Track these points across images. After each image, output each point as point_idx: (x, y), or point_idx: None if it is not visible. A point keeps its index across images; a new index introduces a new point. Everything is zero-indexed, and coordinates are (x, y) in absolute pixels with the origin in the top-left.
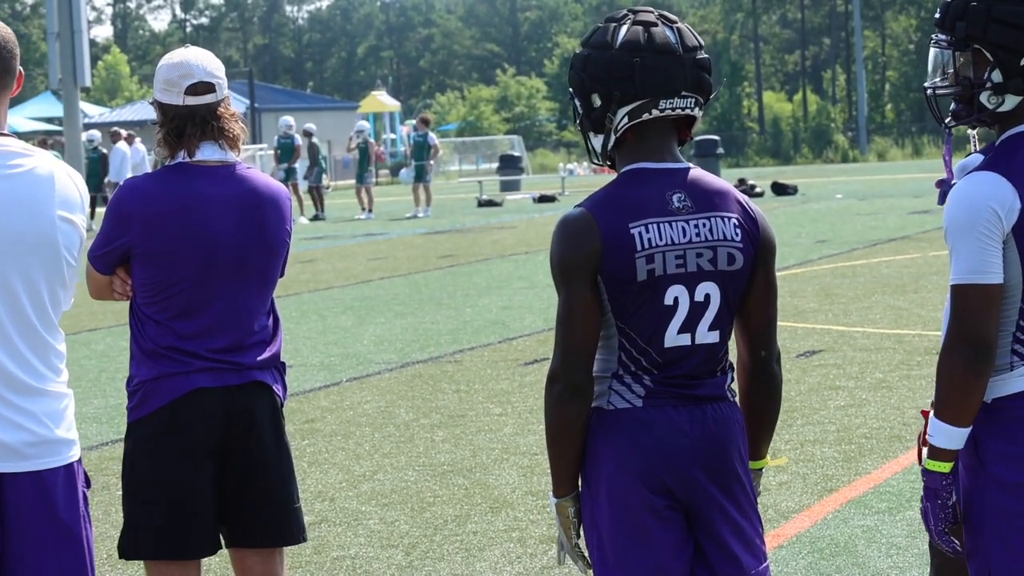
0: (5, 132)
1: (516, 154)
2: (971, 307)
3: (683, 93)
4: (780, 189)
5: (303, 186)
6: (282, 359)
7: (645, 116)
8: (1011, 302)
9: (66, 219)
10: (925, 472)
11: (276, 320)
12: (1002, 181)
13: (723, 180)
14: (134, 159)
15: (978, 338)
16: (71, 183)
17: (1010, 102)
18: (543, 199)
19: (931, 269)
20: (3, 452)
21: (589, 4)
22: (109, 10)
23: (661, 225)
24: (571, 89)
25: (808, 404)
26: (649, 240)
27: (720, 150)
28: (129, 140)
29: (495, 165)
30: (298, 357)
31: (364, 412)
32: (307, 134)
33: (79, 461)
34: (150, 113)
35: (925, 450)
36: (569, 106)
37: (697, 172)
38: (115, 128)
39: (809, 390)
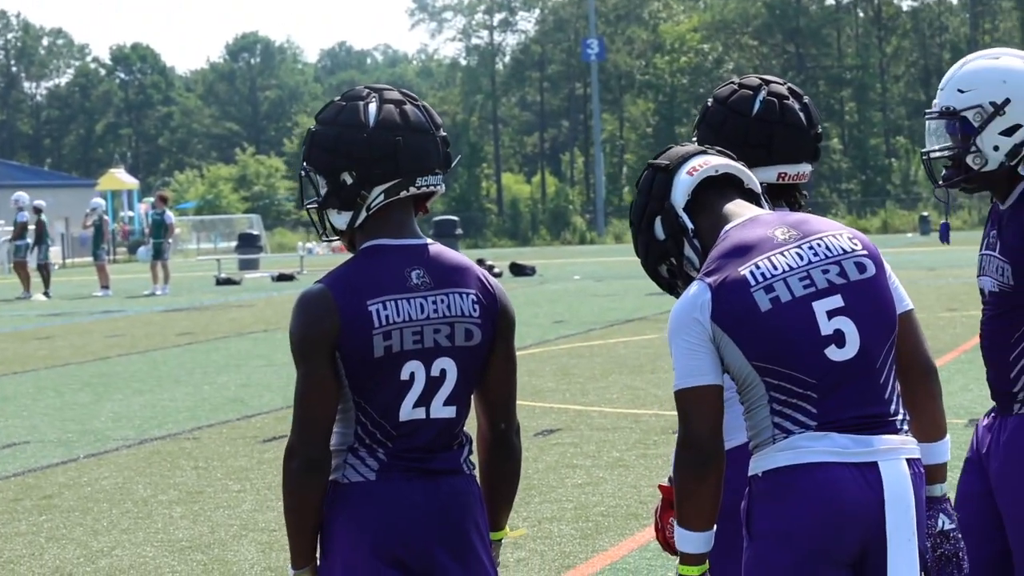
0: None
1: (255, 232)
2: (686, 410)
3: (435, 171)
4: (518, 270)
5: (32, 263)
6: None
7: (403, 194)
8: (752, 385)
9: None
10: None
11: None
12: (699, 285)
13: (463, 256)
14: None
15: (695, 441)
16: None
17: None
18: (282, 277)
19: (668, 350)
20: None
21: (329, 84)
22: None
23: (399, 301)
24: (308, 166)
25: (546, 482)
26: (387, 317)
27: (459, 231)
28: None
29: (234, 244)
30: (35, 433)
31: (102, 488)
32: (36, 210)
33: None
34: None
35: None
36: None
37: (436, 248)
38: None
39: (547, 468)
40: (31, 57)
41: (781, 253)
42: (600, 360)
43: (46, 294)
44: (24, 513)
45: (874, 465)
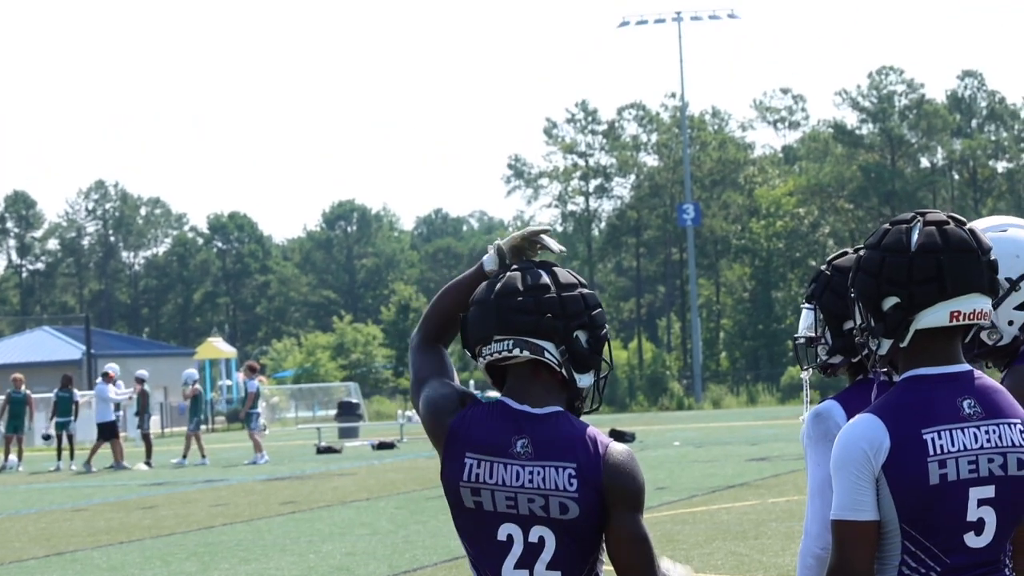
0: None
1: (354, 401)
2: (842, 541)
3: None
4: (618, 436)
5: (137, 433)
6: None
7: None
8: (892, 536)
9: None
10: None
11: None
12: (876, 422)
13: (578, 426)
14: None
15: (847, 571)
16: None
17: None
18: (382, 446)
19: (771, 516)
20: None
21: (425, 251)
22: None
23: (495, 465)
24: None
25: None
26: (477, 475)
27: None
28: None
29: (333, 412)
30: None
31: None
32: (139, 380)
33: None
34: None
35: None
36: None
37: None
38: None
39: None
40: (129, 227)
41: (962, 430)
42: (703, 527)
43: (147, 463)
44: None
45: None
